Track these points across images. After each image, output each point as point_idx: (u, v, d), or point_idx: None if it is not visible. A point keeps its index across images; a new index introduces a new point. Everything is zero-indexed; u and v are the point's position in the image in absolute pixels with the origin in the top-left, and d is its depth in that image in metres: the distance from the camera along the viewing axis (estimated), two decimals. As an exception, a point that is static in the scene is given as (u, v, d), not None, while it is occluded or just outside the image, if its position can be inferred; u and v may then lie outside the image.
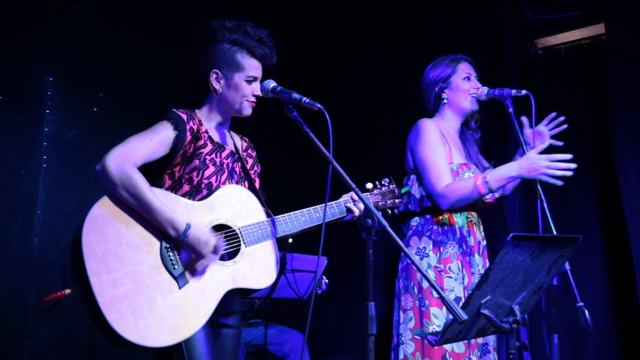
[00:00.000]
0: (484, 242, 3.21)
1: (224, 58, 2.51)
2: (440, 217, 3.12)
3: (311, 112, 2.35)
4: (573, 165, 2.85)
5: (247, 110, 2.56)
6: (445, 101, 3.26)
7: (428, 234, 3.12)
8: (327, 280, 4.44)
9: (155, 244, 2.27)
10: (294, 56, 4.65)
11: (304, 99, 2.38)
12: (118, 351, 2.21)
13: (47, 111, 3.98)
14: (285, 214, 2.52)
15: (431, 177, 3.07)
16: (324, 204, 2.48)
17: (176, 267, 2.27)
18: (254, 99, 2.55)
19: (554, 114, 3.13)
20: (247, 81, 2.52)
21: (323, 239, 2.33)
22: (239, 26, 2.53)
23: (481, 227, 3.22)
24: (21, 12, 3.88)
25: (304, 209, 2.54)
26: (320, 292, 4.41)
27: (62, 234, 3.94)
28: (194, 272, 2.30)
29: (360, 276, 2.15)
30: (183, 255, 2.31)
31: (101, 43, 4.15)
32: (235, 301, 2.51)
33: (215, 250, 2.31)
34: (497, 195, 3.23)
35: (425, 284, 3.05)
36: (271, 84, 2.49)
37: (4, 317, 3.72)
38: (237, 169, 2.56)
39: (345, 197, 2.65)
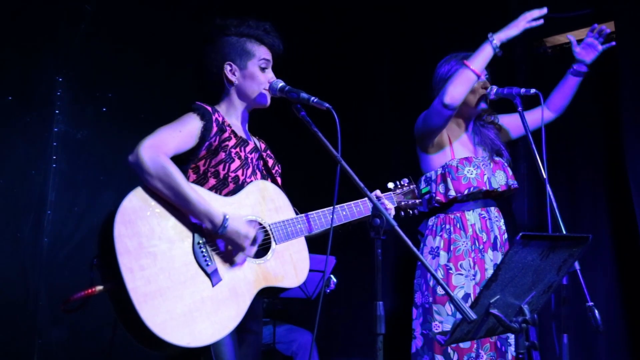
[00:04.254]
0: (505, 236, 3.22)
1: (234, 49, 2.50)
2: (452, 216, 3.15)
3: (320, 111, 2.35)
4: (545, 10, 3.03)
5: (266, 99, 2.55)
6: None
7: (441, 233, 3.15)
8: (335, 280, 4.44)
9: (187, 239, 2.21)
10: (303, 56, 4.65)
11: (312, 98, 2.38)
12: (135, 351, 2.16)
13: (57, 111, 3.99)
14: (313, 212, 2.49)
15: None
16: (349, 202, 2.50)
17: (209, 263, 2.21)
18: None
19: (595, 25, 3.26)
20: (261, 68, 2.52)
21: (332, 239, 2.33)
22: (242, 21, 2.53)
23: (501, 222, 3.22)
24: (30, 13, 3.90)
25: (330, 207, 2.49)
26: (328, 291, 4.41)
27: (72, 234, 3.96)
28: (228, 269, 2.24)
29: (369, 275, 2.14)
30: (220, 246, 2.26)
31: (110, 43, 4.17)
32: (260, 304, 2.47)
33: (254, 241, 2.27)
34: (511, 183, 3.23)
35: (432, 282, 3.08)
36: (279, 83, 2.49)
37: (15, 316, 3.74)
38: (260, 166, 2.54)
39: (375, 193, 2.64)
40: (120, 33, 4.21)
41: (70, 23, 4.04)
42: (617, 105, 3.82)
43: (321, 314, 2.29)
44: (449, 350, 2.99)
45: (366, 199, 2.57)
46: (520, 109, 3.06)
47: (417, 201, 2.79)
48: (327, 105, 2.33)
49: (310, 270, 4.21)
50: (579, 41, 3.33)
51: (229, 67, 2.51)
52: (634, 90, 3.74)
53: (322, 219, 2.49)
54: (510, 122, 3.39)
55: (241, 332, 2.34)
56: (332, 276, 4.41)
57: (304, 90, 2.42)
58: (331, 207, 2.48)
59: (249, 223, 2.29)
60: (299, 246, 2.45)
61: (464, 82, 3.01)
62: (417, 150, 3.32)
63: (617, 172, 3.84)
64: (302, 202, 2.62)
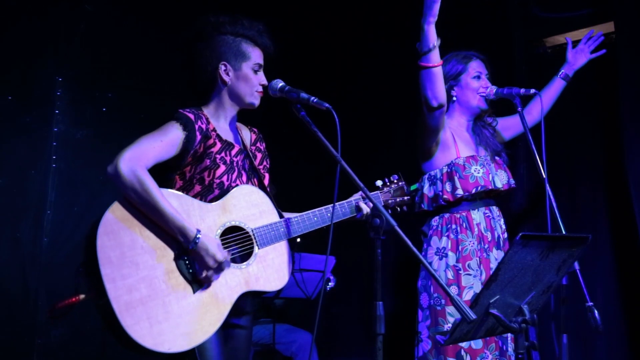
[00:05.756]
0: (505, 235, 3.23)
1: (230, 49, 2.52)
2: (458, 216, 3.14)
3: (319, 111, 2.35)
4: None
5: (257, 101, 2.57)
6: (454, 99, 3.28)
7: (447, 233, 3.13)
8: (335, 280, 4.43)
9: (169, 247, 2.27)
10: (302, 55, 4.65)
11: (312, 98, 2.38)
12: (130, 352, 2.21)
13: (57, 111, 3.99)
14: (297, 214, 2.52)
15: None
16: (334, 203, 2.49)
17: (191, 270, 2.27)
18: (261, 89, 2.56)
19: (592, 31, 3.44)
20: (254, 70, 2.53)
21: (331, 239, 2.33)
22: (236, 20, 2.55)
23: (502, 221, 3.24)
24: (30, 12, 3.90)
25: (316, 209, 2.55)
26: (328, 289, 4.41)
27: (72, 234, 3.96)
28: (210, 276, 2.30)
29: (369, 275, 2.14)
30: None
31: (110, 43, 4.17)
32: (248, 302, 2.50)
33: (221, 266, 2.31)
34: (512, 182, 3.24)
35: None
36: (279, 83, 2.49)
37: (14, 316, 3.74)
38: (246, 167, 2.55)
39: (356, 196, 2.66)
40: (121, 33, 4.21)
41: (70, 23, 4.04)
42: (617, 105, 3.82)
43: (321, 314, 2.30)
44: (462, 352, 2.96)
45: (351, 199, 2.64)
46: (520, 109, 3.06)
47: (406, 198, 2.81)
48: (326, 105, 2.34)
49: (310, 270, 4.25)
50: (575, 44, 3.47)
51: (223, 67, 2.52)
52: (633, 90, 3.74)
53: (306, 222, 2.51)
54: (503, 125, 3.43)
55: (228, 328, 2.40)
56: (331, 276, 4.41)
57: (303, 90, 2.42)
58: (315, 210, 2.54)
59: (220, 244, 2.33)
60: (281, 249, 2.49)
61: (434, 80, 3.04)
62: (420, 150, 3.31)
63: (617, 172, 3.84)
64: (298, 201, 2.63)
